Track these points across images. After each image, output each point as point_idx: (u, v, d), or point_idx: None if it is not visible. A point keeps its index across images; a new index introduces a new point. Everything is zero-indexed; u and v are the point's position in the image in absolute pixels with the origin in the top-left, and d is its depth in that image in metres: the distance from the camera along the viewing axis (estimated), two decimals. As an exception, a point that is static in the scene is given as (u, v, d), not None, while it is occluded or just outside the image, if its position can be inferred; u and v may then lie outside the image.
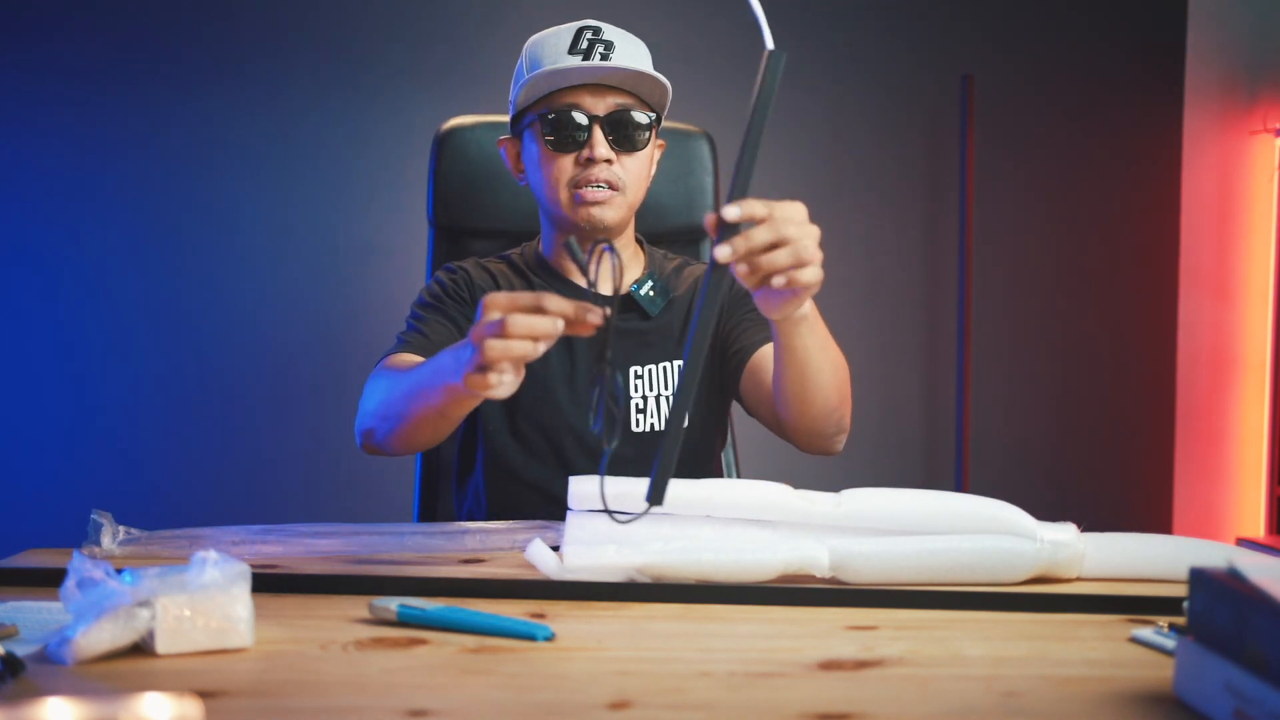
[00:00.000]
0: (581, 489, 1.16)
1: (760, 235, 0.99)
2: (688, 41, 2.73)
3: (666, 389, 1.51)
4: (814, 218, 1.05)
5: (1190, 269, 2.87)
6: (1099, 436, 2.88)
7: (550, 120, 1.44)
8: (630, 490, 1.19)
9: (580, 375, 1.50)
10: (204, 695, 0.77)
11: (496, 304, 1.00)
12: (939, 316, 2.84)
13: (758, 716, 0.76)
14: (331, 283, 2.71)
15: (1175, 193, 2.86)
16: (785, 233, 1.01)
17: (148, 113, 2.67)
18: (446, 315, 1.48)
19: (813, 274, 1.05)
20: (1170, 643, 0.88)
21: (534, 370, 1.48)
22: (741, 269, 1.00)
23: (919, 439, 2.86)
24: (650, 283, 1.53)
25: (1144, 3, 2.84)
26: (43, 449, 2.68)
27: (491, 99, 1.63)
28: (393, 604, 0.94)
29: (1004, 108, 2.82)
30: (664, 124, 1.83)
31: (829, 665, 0.86)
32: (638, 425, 1.50)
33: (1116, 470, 2.89)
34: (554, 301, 0.98)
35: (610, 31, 1.45)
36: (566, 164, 1.44)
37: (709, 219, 0.99)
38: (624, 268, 1.53)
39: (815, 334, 1.24)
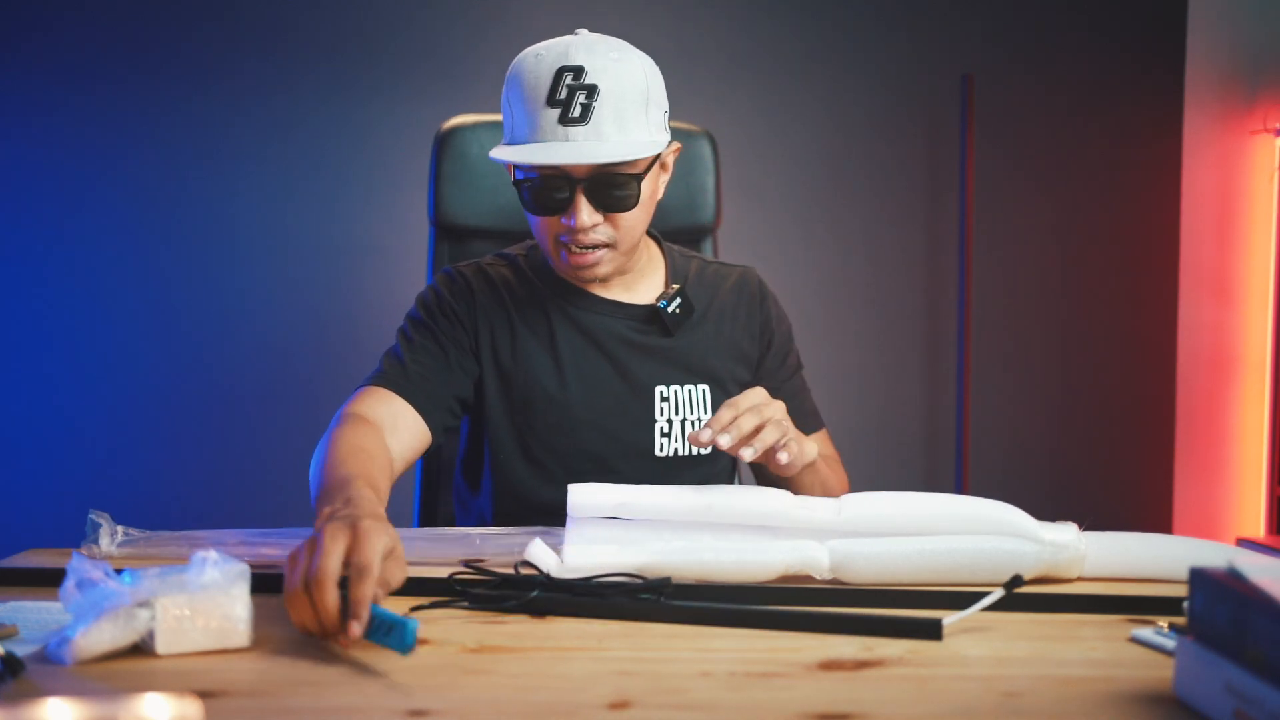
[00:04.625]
0: (580, 499, 1.18)
1: (747, 422, 1.18)
2: (688, 41, 2.73)
3: (693, 413, 1.43)
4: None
5: (1190, 269, 2.87)
6: (1099, 436, 2.88)
7: (527, 186, 1.32)
8: (630, 499, 1.19)
9: (601, 397, 1.42)
10: (204, 695, 0.77)
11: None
12: (939, 316, 2.84)
13: (758, 716, 0.76)
14: (332, 282, 2.71)
15: (1175, 193, 2.86)
16: (766, 415, 1.18)
17: (146, 112, 2.67)
18: (435, 338, 1.41)
19: (798, 451, 1.23)
20: (1170, 643, 0.88)
21: (550, 395, 1.41)
22: (747, 453, 1.18)
23: (919, 439, 2.86)
24: (679, 300, 1.44)
25: (1144, 3, 2.84)
26: (43, 449, 2.68)
27: (491, 99, 1.63)
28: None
29: (1004, 108, 2.82)
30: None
31: (829, 665, 0.86)
32: (661, 450, 1.43)
33: (1116, 470, 2.88)
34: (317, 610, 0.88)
35: (593, 68, 1.28)
36: (550, 223, 1.34)
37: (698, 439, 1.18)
38: (640, 275, 1.47)
39: (814, 474, 1.37)
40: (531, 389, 1.42)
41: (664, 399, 1.43)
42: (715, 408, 1.44)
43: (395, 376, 1.36)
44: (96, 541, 1.19)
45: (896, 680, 0.83)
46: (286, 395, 2.70)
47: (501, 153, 1.31)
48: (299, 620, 0.89)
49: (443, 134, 1.74)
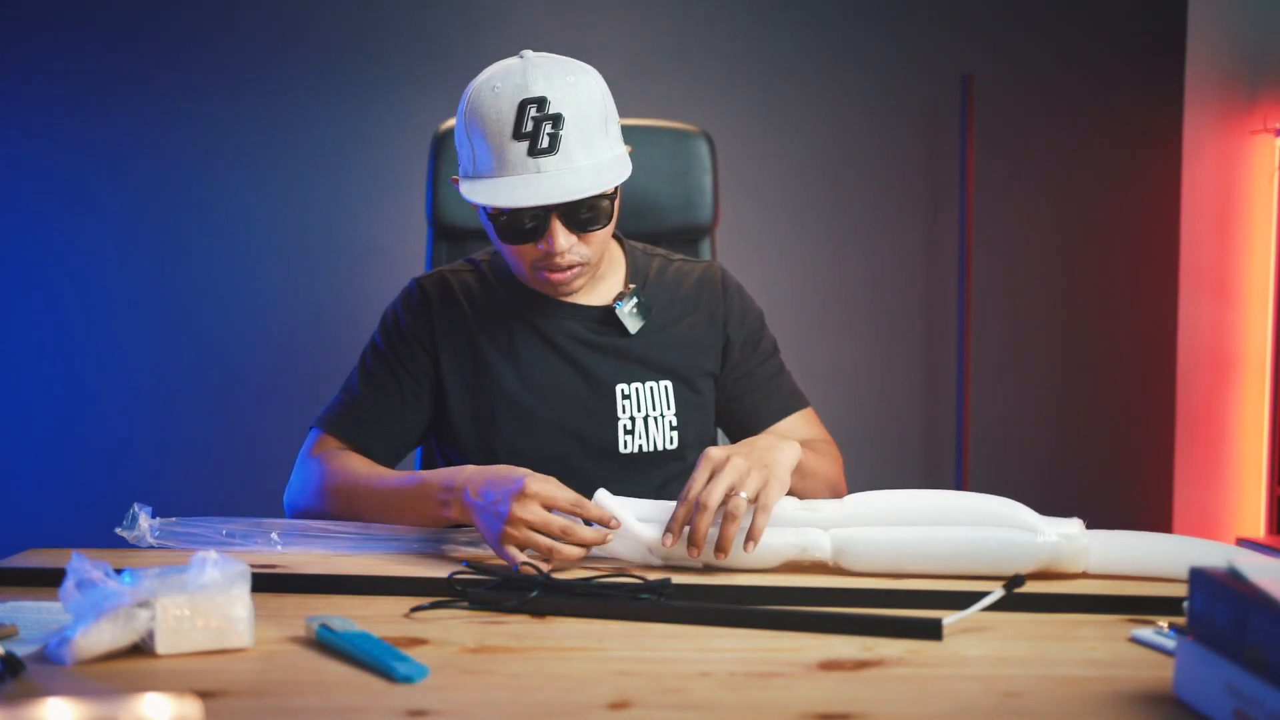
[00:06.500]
0: (605, 503, 1.21)
1: (703, 522, 1.14)
2: (687, 39, 2.73)
3: (655, 409, 1.44)
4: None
5: (1190, 269, 2.87)
6: (1099, 436, 2.88)
7: (502, 219, 1.32)
8: (647, 508, 1.21)
9: (563, 398, 1.43)
10: (204, 695, 0.77)
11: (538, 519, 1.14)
12: (939, 316, 2.84)
13: (758, 716, 0.76)
14: (331, 282, 2.71)
15: (1175, 193, 2.86)
16: (709, 501, 1.13)
17: (146, 112, 2.67)
18: (392, 371, 1.44)
19: (756, 500, 1.15)
20: (1170, 643, 0.88)
21: (512, 399, 1.42)
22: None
23: (919, 439, 2.86)
24: (635, 300, 1.45)
25: (1144, 3, 2.84)
26: (43, 449, 2.68)
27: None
28: (315, 624, 0.91)
29: (1004, 108, 2.82)
30: (661, 123, 1.83)
31: (829, 665, 0.86)
32: (625, 447, 1.43)
33: (1116, 470, 2.88)
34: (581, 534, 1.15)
35: (555, 98, 1.28)
36: (526, 250, 1.35)
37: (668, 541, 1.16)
38: (600, 277, 1.46)
39: (804, 481, 1.30)
40: (494, 395, 1.43)
41: (625, 396, 1.43)
42: (679, 403, 1.45)
43: (352, 422, 1.44)
44: (134, 527, 1.22)
45: (896, 680, 0.83)
46: (285, 396, 2.69)
47: (481, 195, 1.30)
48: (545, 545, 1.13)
49: (441, 135, 1.74)
